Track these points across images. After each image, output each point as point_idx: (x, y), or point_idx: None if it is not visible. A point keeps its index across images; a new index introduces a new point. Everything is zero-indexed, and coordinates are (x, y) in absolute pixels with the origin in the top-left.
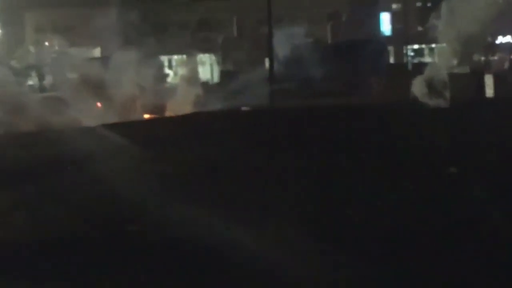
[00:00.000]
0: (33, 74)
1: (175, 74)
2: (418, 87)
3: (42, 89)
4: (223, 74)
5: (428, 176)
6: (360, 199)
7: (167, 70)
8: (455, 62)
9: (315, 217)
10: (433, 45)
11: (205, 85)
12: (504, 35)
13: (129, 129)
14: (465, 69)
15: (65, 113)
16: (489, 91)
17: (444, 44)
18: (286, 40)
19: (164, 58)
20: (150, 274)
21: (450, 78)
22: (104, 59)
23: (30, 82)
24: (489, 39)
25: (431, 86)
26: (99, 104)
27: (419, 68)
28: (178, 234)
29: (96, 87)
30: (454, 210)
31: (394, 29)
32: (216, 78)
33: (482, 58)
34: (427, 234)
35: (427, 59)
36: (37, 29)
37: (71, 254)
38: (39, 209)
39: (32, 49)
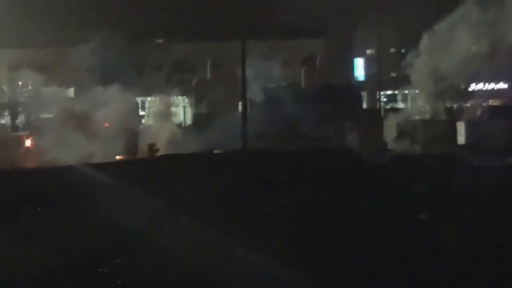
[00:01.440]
0: (6, 113)
1: (149, 115)
2: (390, 133)
3: (14, 128)
4: (197, 117)
5: (396, 221)
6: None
7: (141, 111)
8: (427, 108)
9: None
10: (406, 91)
11: (178, 127)
12: (477, 82)
13: (101, 169)
14: (438, 116)
15: (37, 152)
16: (461, 139)
17: (417, 91)
18: (260, 83)
19: (138, 99)
20: None
21: (422, 125)
22: (79, 99)
23: (2, 121)
24: (462, 86)
25: (403, 132)
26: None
27: (392, 113)
28: (149, 275)
29: (71, 127)
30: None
31: (367, 74)
32: (189, 120)
33: (455, 105)
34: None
35: (400, 105)
36: (11, 68)
37: None
38: (8, 249)
39: (5, 87)
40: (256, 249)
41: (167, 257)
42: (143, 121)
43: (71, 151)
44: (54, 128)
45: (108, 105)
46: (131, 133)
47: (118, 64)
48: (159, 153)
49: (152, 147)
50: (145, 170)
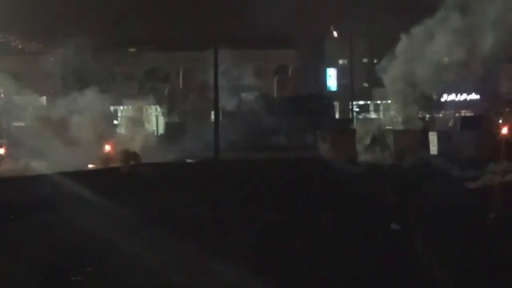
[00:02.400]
0: None
1: (121, 124)
2: (362, 143)
3: None
4: (169, 125)
5: (368, 232)
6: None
7: (113, 120)
8: (399, 118)
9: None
10: (378, 101)
11: (150, 136)
12: (449, 93)
13: (73, 178)
14: (410, 126)
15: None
16: (433, 148)
17: (389, 101)
18: (233, 93)
19: (110, 108)
20: None
21: (394, 134)
22: (51, 107)
23: None
24: (434, 96)
25: (375, 141)
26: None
27: (364, 123)
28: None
29: (45, 134)
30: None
31: (340, 84)
32: (161, 129)
33: (427, 116)
34: None
35: (372, 115)
36: None
37: None
38: None
39: None
40: (227, 259)
41: (138, 267)
42: (115, 129)
43: (45, 159)
44: (27, 136)
45: (82, 112)
46: (107, 141)
47: (91, 72)
48: (131, 161)
49: (128, 154)
50: (117, 178)
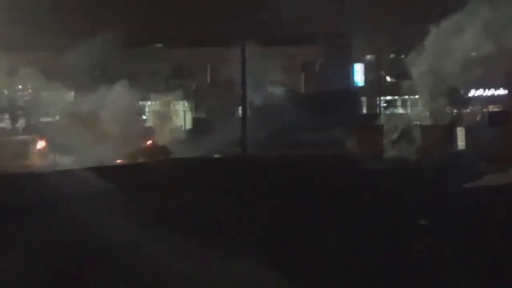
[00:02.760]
0: (6, 116)
1: (148, 119)
2: (390, 138)
3: (14, 131)
4: (196, 121)
5: (397, 227)
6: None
7: (141, 116)
8: (427, 113)
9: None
10: (406, 97)
11: (178, 131)
12: (476, 88)
13: (101, 173)
14: (437, 121)
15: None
16: (461, 143)
17: (417, 96)
18: (260, 89)
19: (138, 104)
20: None
21: (421, 129)
22: (80, 103)
23: (3, 125)
24: (461, 92)
25: (403, 137)
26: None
27: (392, 119)
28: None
29: (77, 129)
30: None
31: (367, 79)
32: (189, 125)
33: (454, 111)
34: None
35: (399, 110)
36: (10, 72)
37: None
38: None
39: (5, 91)
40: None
41: (160, 264)
42: (143, 125)
43: (77, 154)
44: (57, 131)
45: (111, 107)
46: (144, 135)
47: (118, 68)
48: (158, 157)
49: (158, 148)
50: (146, 174)
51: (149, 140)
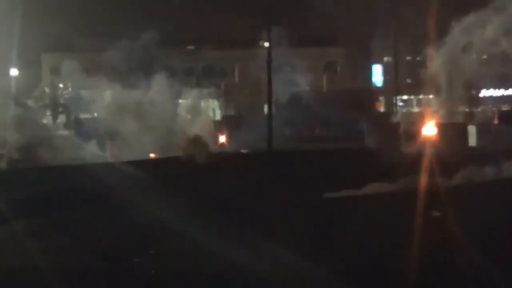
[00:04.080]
0: (48, 113)
1: (182, 116)
2: (406, 134)
3: (55, 127)
4: (225, 118)
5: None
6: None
7: (175, 112)
8: (441, 112)
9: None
10: (421, 96)
11: (210, 123)
12: (487, 88)
13: (140, 166)
14: (450, 119)
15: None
16: (472, 141)
17: (431, 96)
18: (285, 87)
19: (171, 101)
20: None
21: (436, 127)
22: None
23: (44, 121)
24: (474, 92)
25: (417, 133)
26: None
27: (408, 117)
28: (181, 266)
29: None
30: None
31: (384, 80)
32: (219, 121)
33: (466, 110)
34: None
35: (415, 109)
36: (53, 71)
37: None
38: (51, 240)
39: (47, 89)
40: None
41: (198, 250)
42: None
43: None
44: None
45: (145, 106)
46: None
47: (153, 68)
48: (191, 151)
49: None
50: (179, 166)
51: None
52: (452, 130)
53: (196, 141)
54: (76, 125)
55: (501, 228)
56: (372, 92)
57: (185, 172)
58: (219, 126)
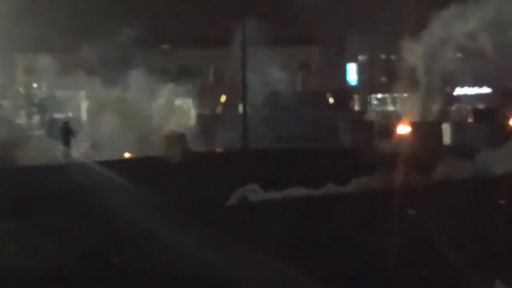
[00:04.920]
0: (22, 113)
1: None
2: (380, 133)
3: (30, 128)
4: (200, 117)
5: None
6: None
7: (150, 111)
8: (415, 111)
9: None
10: (396, 95)
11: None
12: (461, 86)
13: (112, 166)
14: (424, 118)
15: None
16: (446, 139)
17: (406, 94)
18: (260, 87)
19: (146, 100)
20: None
21: (411, 126)
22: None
23: (19, 121)
24: (448, 90)
25: (391, 132)
26: None
27: (382, 115)
28: (158, 267)
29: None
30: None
31: (359, 79)
32: (193, 121)
33: (441, 108)
34: None
35: (390, 107)
36: (27, 71)
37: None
38: (29, 241)
39: (21, 90)
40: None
41: (174, 252)
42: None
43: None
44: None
45: (118, 107)
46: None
47: (127, 67)
48: (165, 151)
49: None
50: (152, 166)
51: None
52: (426, 129)
53: (173, 140)
54: (50, 125)
55: (472, 225)
56: (347, 91)
57: (156, 172)
58: (194, 125)
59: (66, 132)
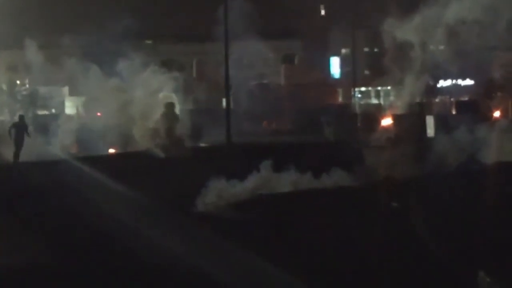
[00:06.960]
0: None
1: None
2: (364, 126)
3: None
4: (183, 112)
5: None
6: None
7: (131, 107)
8: (398, 103)
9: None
10: (379, 88)
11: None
12: (444, 79)
13: (96, 162)
14: (408, 110)
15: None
16: (429, 131)
17: (389, 87)
18: (243, 81)
19: (130, 95)
20: None
21: (393, 118)
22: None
23: (1, 118)
24: (431, 83)
25: (375, 125)
26: None
27: (366, 109)
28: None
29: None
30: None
31: (343, 72)
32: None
33: (424, 101)
34: None
35: (373, 100)
36: (9, 68)
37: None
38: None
39: (4, 86)
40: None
41: (158, 246)
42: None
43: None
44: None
45: (101, 101)
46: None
47: (109, 63)
48: (148, 147)
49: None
50: (134, 162)
51: None
52: (410, 121)
53: (157, 135)
54: (33, 121)
55: (454, 217)
56: (330, 85)
57: (139, 167)
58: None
59: (19, 129)
